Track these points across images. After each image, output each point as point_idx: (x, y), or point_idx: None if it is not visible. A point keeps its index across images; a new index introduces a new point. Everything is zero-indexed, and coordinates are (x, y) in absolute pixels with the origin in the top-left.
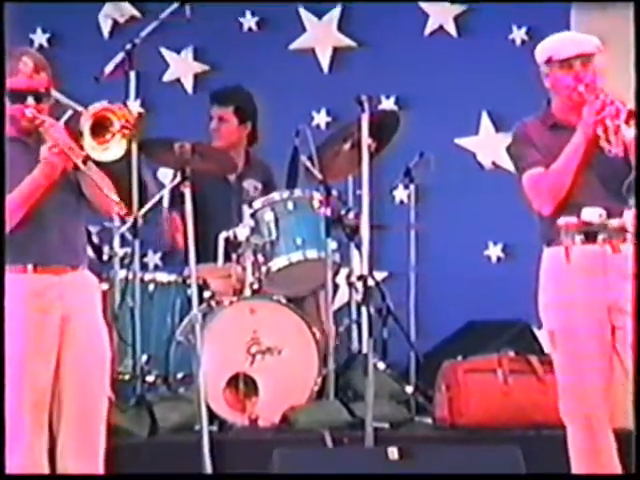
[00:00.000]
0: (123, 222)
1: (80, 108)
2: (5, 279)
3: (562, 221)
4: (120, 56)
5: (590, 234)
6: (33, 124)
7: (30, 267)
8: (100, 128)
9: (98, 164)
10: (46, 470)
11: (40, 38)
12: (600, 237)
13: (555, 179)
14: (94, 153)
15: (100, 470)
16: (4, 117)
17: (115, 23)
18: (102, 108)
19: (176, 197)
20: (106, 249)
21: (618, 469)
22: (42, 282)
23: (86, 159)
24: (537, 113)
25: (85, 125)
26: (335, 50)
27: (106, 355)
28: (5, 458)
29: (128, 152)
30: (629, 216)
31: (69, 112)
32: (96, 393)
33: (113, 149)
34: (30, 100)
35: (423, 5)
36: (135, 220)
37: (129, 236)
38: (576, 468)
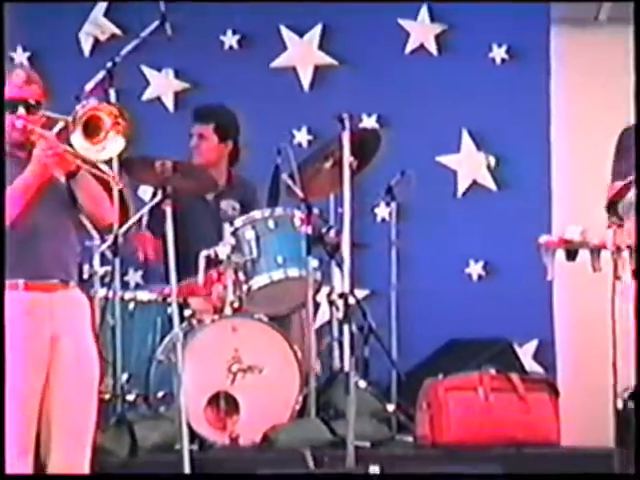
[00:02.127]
0: (103, 240)
1: (69, 119)
2: (5, 282)
3: (543, 239)
4: (101, 74)
5: (571, 252)
6: (24, 135)
7: (21, 283)
8: (92, 129)
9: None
10: None
11: (21, 56)
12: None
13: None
14: (90, 154)
15: None
16: (4, 119)
17: (96, 41)
18: (90, 108)
19: (156, 215)
20: (86, 268)
21: None
22: (32, 300)
23: (79, 167)
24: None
25: (77, 127)
26: (316, 68)
27: (94, 375)
28: (5, 458)
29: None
30: (609, 234)
31: (59, 125)
32: (84, 412)
33: (110, 147)
34: (21, 110)
35: (404, 23)
36: (115, 238)
37: (109, 254)
38: None
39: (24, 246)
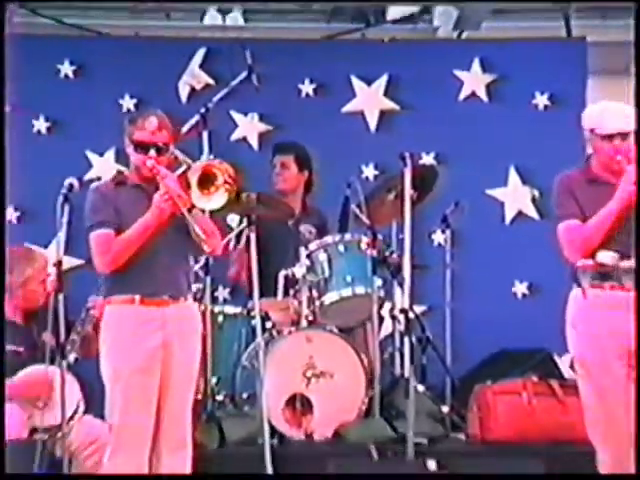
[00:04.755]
0: (196, 261)
1: (192, 163)
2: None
3: (580, 263)
4: (195, 118)
5: (604, 275)
6: (152, 173)
7: (137, 298)
8: (206, 181)
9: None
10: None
11: (128, 103)
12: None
13: (588, 236)
14: (199, 202)
15: (188, 469)
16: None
17: (192, 90)
18: (207, 163)
19: (241, 240)
20: None
21: None
22: (146, 313)
23: (192, 207)
24: (578, 166)
25: (193, 177)
26: (382, 113)
27: (195, 375)
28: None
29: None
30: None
31: (184, 166)
32: (188, 403)
33: (215, 200)
34: (152, 152)
35: (459, 74)
36: (207, 259)
37: (201, 273)
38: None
39: (141, 267)
